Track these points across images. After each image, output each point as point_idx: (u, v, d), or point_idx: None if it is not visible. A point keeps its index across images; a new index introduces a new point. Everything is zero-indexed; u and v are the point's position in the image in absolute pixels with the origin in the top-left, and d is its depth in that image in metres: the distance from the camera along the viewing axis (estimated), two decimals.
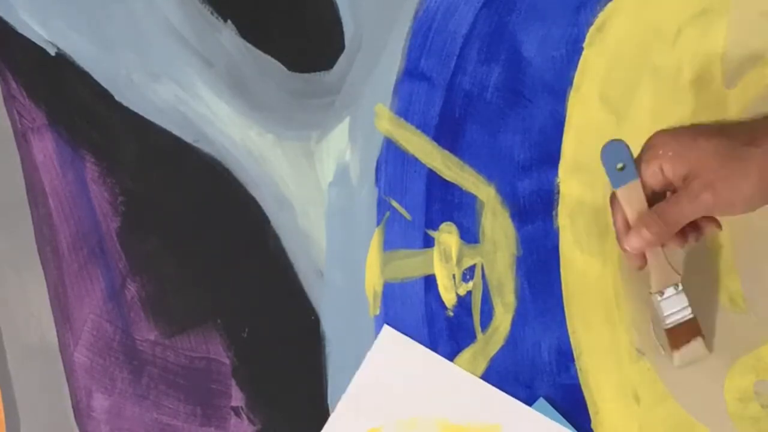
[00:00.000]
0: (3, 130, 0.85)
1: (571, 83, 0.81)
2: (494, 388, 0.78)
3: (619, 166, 0.74)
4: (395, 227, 0.82)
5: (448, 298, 0.80)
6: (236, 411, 0.80)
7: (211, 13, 0.85)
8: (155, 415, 0.81)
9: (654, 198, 0.73)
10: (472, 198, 0.81)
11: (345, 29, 0.84)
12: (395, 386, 0.79)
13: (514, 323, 0.80)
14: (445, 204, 0.82)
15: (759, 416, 0.76)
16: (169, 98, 0.85)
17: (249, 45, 0.85)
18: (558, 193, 0.80)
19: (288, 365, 0.81)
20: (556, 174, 0.81)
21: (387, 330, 0.80)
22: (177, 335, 0.82)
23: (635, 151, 0.74)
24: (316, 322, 0.81)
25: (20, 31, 0.86)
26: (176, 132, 0.84)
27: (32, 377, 0.82)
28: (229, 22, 0.85)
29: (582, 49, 0.82)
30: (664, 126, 0.73)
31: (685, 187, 0.71)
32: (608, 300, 0.79)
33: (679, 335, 0.75)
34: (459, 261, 0.81)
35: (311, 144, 0.83)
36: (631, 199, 0.73)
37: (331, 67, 0.84)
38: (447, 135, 0.82)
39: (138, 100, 0.85)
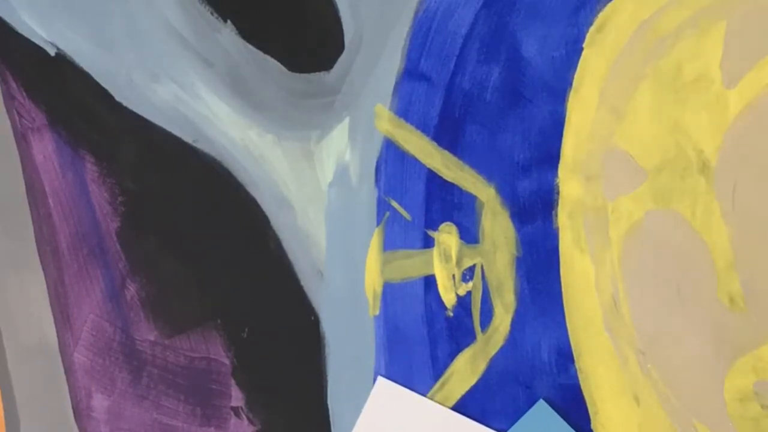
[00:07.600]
0: (3, 130, 0.85)
1: (570, 83, 0.81)
2: None
3: None
4: (395, 227, 0.82)
5: (448, 298, 0.80)
6: (236, 411, 0.81)
7: (211, 13, 0.85)
8: (155, 416, 0.81)
9: None
10: (472, 198, 0.81)
11: (345, 29, 0.84)
12: None
13: (514, 323, 0.80)
14: (444, 204, 0.82)
15: (759, 416, 0.76)
16: (169, 98, 0.85)
17: (249, 45, 0.85)
18: (558, 193, 0.80)
19: (288, 365, 0.81)
20: (555, 174, 0.81)
21: (381, 382, 0.79)
22: (177, 335, 0.82)
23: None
24: (315, 322, 0.81)
25: (20, 31, 0.86)
26: (176, 132, 0.84)
27: (32, 377, 0.82)
28: (229, 22, 0.85)
29: (582, 49, 0.82)
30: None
31: None
32: (608, 300, 0.79)
33: None
34: (459, 261, 0.81)
35: (311, 144, 0.83)
36: None
37: (331, 67, 0.84)
38: (447, 135, 0.82)
39: (138, 100, 0.85)
